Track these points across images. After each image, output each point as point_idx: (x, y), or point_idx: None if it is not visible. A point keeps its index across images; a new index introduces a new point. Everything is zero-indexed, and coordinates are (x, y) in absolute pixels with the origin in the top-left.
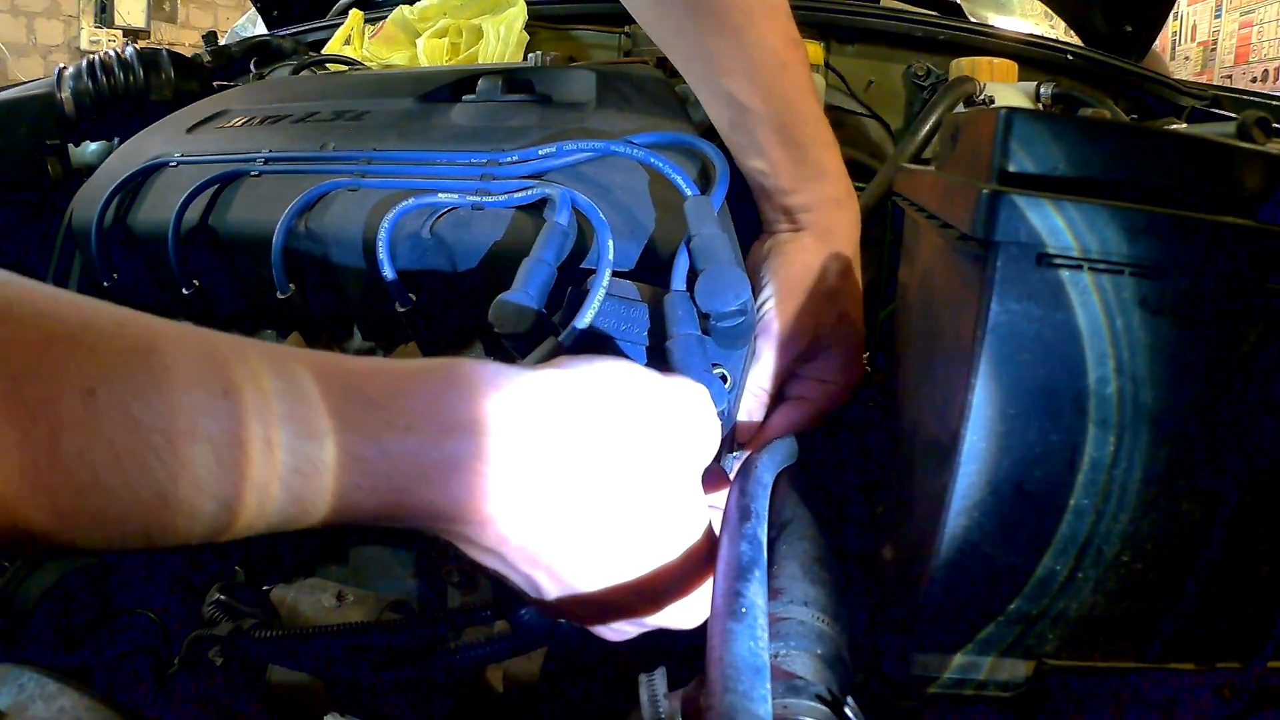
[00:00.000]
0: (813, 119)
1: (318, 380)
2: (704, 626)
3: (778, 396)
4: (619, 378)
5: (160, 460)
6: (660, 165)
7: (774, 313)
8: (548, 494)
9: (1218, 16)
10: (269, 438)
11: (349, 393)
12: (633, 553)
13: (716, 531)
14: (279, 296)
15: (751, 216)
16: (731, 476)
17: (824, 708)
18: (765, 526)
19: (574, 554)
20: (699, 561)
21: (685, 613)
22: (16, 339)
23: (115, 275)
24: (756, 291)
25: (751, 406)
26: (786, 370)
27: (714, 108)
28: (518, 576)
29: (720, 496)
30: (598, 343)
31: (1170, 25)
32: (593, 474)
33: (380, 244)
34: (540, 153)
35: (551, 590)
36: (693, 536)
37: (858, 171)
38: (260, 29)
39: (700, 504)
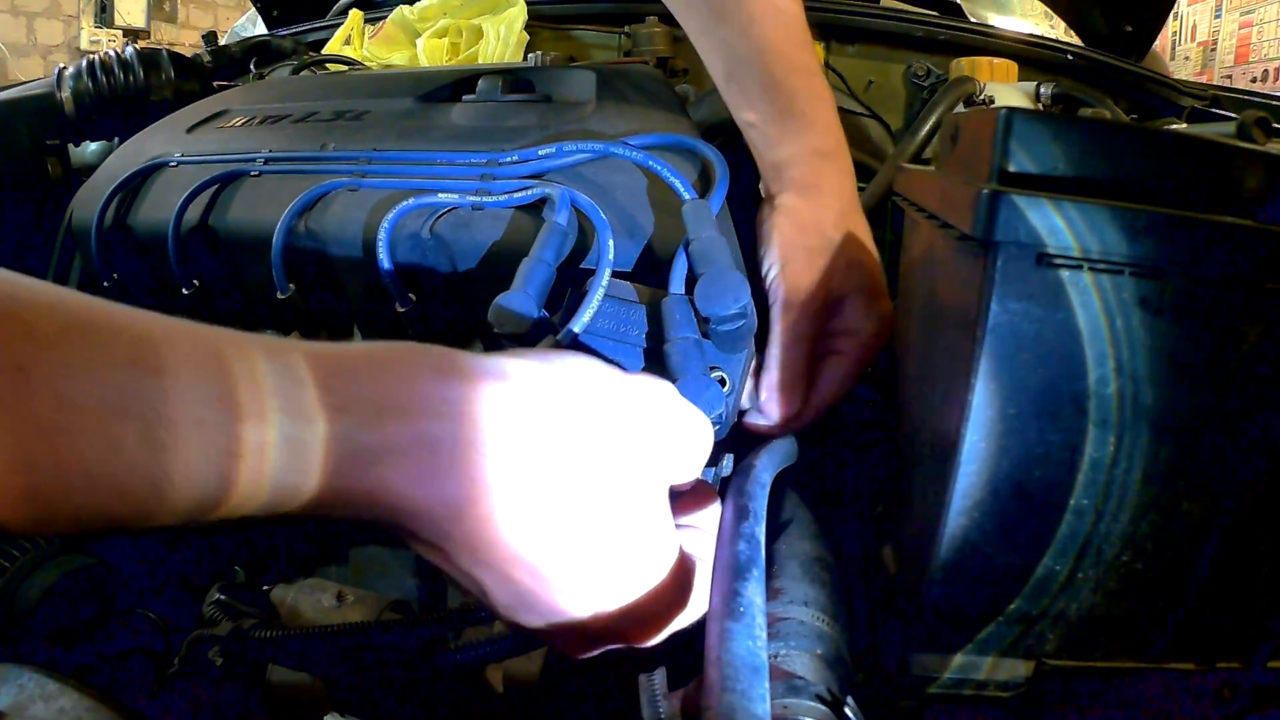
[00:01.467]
0: (802, 69)
1: (252, 361)
2: (703, 626)
3: (812, 361)
4: (578, 371)
5: (90, 440)
6: (659, 169)
7: (779, 280)
8: (488, 486)
9: (1218, 16)
10: (199, 417)
11: (286, 373)
12: (582, 559)
13: (700, 553)
14: (279, 296)
15: (751, 218)
16: (725, 477)
17: (824, 708)
18: (763, 526)
19: (520, 555)
20: (657, 576)
21: (641, 626)
22: None
23: (115, 275)
24: (761, 261)
25: (788, 380)
26: (812, 332)
27: (710, 58)
28: (463, 578)
29: (706, 515)
30: (595, 344)
31: (1170, 25)
32: (538, 466)
33: (380, 244)
34: (540, 153)
35: (499, 594)
36: (651, 547)
37: (857, 172)
38: (260, 29)
39: (663, 513)
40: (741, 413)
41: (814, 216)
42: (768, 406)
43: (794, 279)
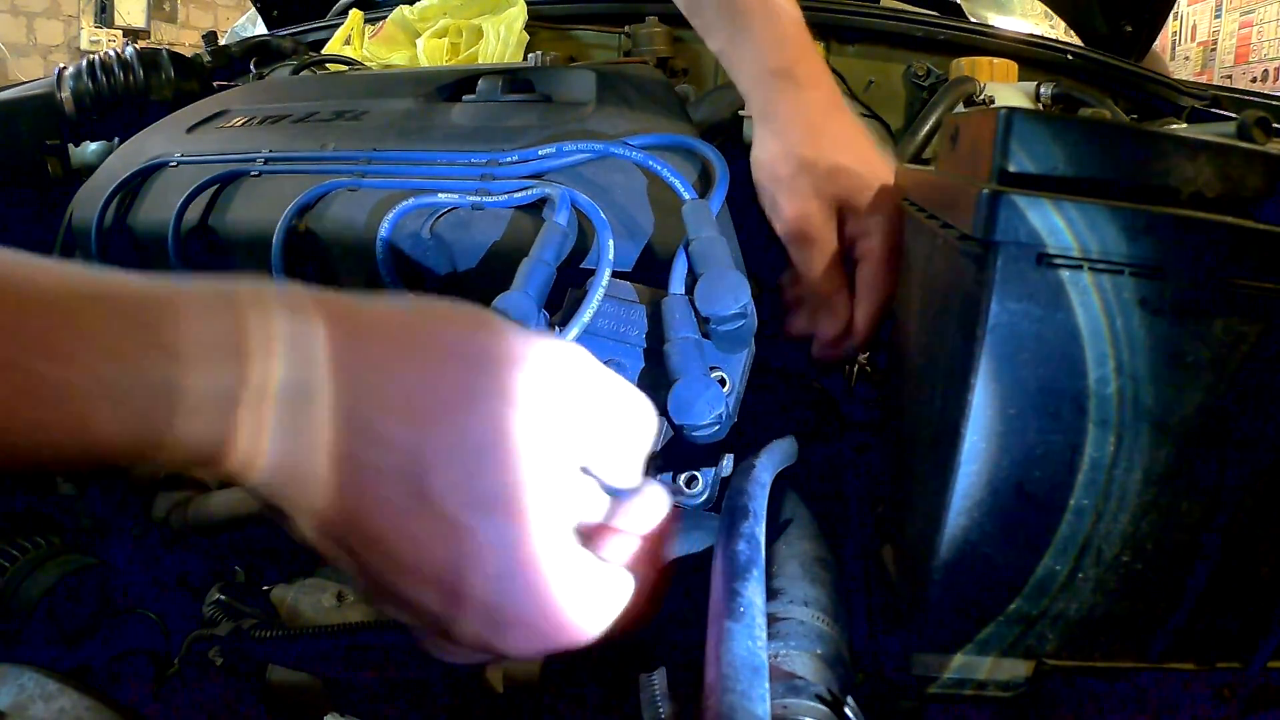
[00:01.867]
0: None
1: (83, 302)
2: (703, 626)
3: (841, 276)
4: (466, 321)
5: None
6: (659, 169)
7: (771, 216)
8: (326, 443)
9: (1218, 16)
10: (13, 360)
11: (120, 315)
12: (436, 541)
13: (636, 565)
14: None
15: (752, 218)
16: (725, 477)
17: (824, 708)
18: (763, 526)
19: (364, 529)
20: (537, 578)
21: (514, 635)
22: None
23: None
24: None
25: (823, 299)
26: (823, 251)
27: None
28: (318, 552)
29: (648, 523)
30: (595, 344)
31: (1170, 25)
32: (391, 425)
33: (380, 244)
34: (540, 153)
35: (351, 573)
36: (531, 540)
37: None
38: (260, 29)
39: (553, 505)
40: (808, 346)
41: (779, 144)
42: (819, 330)
43: (782, 210)
